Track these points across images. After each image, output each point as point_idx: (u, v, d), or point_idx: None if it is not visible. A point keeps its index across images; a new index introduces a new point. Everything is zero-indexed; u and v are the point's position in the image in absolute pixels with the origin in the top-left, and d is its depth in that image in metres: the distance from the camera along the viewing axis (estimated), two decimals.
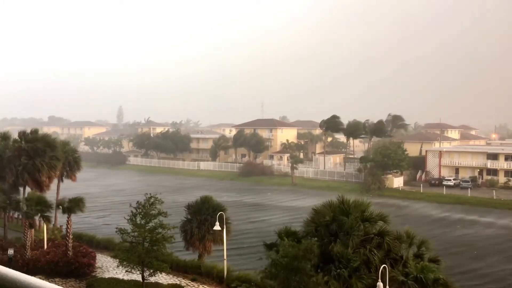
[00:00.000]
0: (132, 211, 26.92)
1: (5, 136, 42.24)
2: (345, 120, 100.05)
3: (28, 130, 43.40)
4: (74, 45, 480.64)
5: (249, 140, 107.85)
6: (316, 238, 22.43)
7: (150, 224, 26.44)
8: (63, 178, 47.68)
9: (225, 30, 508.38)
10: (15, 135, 43.66)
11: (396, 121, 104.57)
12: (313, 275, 20.18)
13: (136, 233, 26.32)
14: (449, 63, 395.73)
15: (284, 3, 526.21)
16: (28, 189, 40.41)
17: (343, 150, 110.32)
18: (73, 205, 33.32)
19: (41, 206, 33.83)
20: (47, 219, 35.19)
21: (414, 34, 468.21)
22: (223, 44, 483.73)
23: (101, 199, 70.33)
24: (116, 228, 27.95)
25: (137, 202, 27.24)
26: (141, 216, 26.49)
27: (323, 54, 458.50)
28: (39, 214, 34.66)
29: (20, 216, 41.51)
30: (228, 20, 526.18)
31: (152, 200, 26.78)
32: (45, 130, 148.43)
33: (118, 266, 27.76)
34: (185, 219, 33.69)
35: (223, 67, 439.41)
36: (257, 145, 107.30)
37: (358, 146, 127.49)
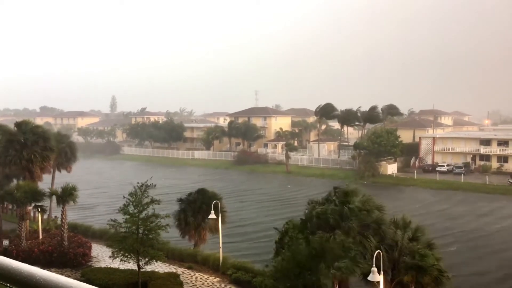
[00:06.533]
0: (125, 203, 26.77)
1: None
2: (340, 109, 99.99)
3: (21, 121, 43.15)
4: (72, 41, 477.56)
5: (240, 128, 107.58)
6: (320, 232, 22.46)
7: (144, 213, 26.31)
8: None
9: (223, 30, 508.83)
10: (7, 126, 43.37)
11: (390, 109, 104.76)
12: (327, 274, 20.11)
13: (129, 224, 26.15)
14: (444, 51, 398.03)
15: (287, 6, 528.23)
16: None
17: (337, 137, 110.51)
18: (66, 194, 33.12)
19: (34, 195, 33.67)
20: (41, 209, 35.07)
21: (410, 26, 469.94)
22: (221, 41, 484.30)
23: None
24: (109, 220, 27.57)
25: (129, 192, 27.09)
26: (134, 205, 26.34)
27: (321, 48, 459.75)
28: (33, 205, 34.53)
29: (15, 207, 41.37)
30: (227, 20, 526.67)
31: (144, 188, 26.56)
32: (38, 120, 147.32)
33: (110, 257, 27.63)
34: (179, 209, 33.71)
35: (220, 61, 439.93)
36: (249, 134, 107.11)
37: (352, 134, 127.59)
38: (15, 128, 40.12)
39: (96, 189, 69.82)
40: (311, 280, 19.52)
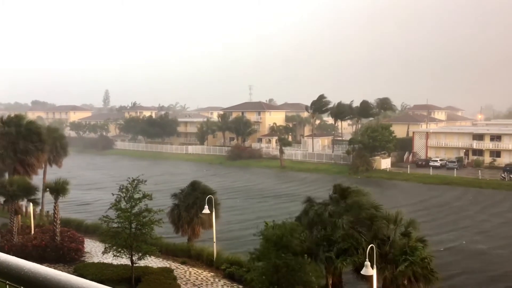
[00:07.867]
0: (116, 198, 26.65)
1: None
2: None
3: (12, 115, 42.76)
4: (69, 37, 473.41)
5: (232, 123, 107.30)
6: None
7: (136, 208, 26.19)
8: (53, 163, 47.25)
9: (223, 30, 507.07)
10: None
11: (384, 103, 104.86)
12: (301, 254, 20.54)
13: (121, 220, 26.03)
14: (439, 48, 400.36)
15: (287, 6, 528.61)
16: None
17: (331, 132, 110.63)
18: (59, 188, 32.83)
19: (27, 189, 33.41)
20: (34, 202, 34.82)
21: (407, 24, 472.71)
22: (220, 41, 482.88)
23: None
24: (101, 216, 27.37)
25: (120, 186, 26.96)
26: (125, 200, 26.23)
27: (320, 47, 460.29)
28: (26, 199, 34.28)
29: (7, 202, 40.99)
30: (227, 20, 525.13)
31: (135, 183, 26.49)
32: (29, 115, 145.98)
33: (103, 253, 27.48)
34: (173, 204, 33.59)
35: (218, 59, 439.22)
36: (242, 128, 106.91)
37: (346, 129, 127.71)
38: (13, 120, 39.78)
39: (89, 185, 69.44)
40: (288, 260, 19.98)
